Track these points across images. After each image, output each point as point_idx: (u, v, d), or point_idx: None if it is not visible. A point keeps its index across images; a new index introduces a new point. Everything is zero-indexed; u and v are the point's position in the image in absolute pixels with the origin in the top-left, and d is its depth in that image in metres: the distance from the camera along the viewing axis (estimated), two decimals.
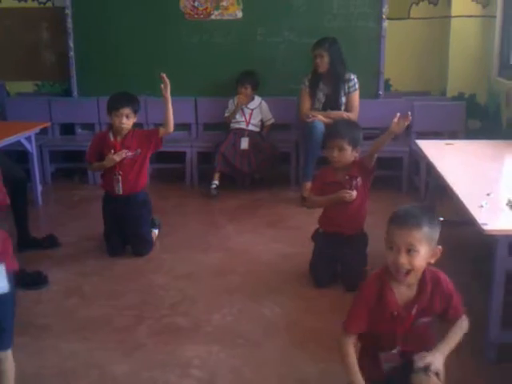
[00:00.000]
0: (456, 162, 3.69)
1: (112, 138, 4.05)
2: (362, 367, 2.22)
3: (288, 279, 3.74)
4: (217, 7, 5.77)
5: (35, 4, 6.28)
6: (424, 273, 2.16)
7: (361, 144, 3.53)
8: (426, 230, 2.06)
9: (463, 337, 2.25)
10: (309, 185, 5.09)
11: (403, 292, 2.18)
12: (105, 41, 5.85)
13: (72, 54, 5.94)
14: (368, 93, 5.54)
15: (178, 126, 5.92)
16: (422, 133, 5.31)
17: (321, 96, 5.21)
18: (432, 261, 2.14)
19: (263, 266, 3.95)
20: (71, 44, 5.93)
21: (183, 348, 2.99)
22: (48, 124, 5.55)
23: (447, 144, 4.14)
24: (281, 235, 4.47)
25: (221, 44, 5.85)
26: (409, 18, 5.97)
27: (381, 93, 5.70)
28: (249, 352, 2.95)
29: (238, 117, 5.62)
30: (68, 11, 5.85)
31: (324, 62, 5.09)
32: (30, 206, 4.48)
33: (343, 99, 5.21)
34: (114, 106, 3.98)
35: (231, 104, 5.65)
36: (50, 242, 4.28)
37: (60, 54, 6.20)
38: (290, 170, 5.69)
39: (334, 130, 3.58)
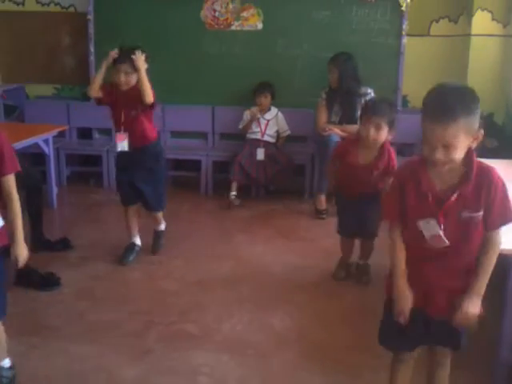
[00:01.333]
0: None
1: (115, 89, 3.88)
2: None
3: (299, 290, 3.74)
4: (237, 18, 5.81)
5: (58, 8, 6.34)
6: (471, 160, 1.99)
7: (395, 128, 3.46)
8: (464, 121, 1.88)
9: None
10: (323, 197, 5.12)
11: (444, 176, 2.03)
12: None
13: (92, 58, 5.99)
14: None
15: (194, 134, 6.00)
16: None
17: (337, 110, 5.21)
18: (474, 145, 1.96)
19: (274, 276, 3.95)
20: (92, 49, 5.98)
21: (192, 355, 2.99)
22: (65, 127, 5.58)
23: None
24: (293, 247, 4.47)
25: (240, 54, 5.87)
26: (429, 35, 5.97)
27: (399, 109, 5.70)
28: (257, 362, 2.95)
29: (254, 127, 5.64)
30: (90, 17, 5.92)
31: (334, 78, 5.10)
32: (45, 207, 4.50)
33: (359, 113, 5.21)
34: (115, 62, 3.83)
35: (246, 115, 5.68)
36: (64, 244, 4.30)
37: (80, 58, 6.26)
38: (304, 182, 5.69)
39: (373, 107, 3.45)
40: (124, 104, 3.89)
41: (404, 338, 2.24)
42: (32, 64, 6.41)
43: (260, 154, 5.47)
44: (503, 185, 2.04)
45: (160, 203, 4.22)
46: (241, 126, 5.70)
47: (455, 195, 2.01)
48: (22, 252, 2.50)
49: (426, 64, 5.88)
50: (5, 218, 2.50)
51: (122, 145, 3.95)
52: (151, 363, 2.92)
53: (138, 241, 4.30)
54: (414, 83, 5.81)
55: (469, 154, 2.00)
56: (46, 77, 6.45)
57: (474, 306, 2.07)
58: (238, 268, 4.09)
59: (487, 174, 2.01)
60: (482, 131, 1.96)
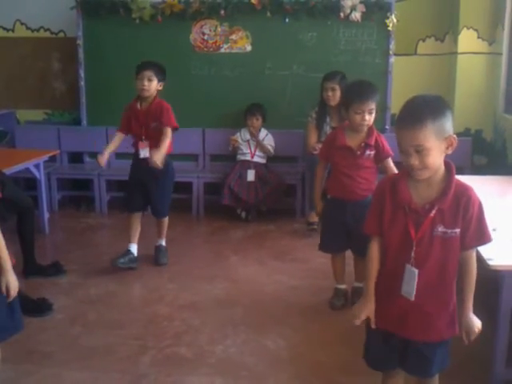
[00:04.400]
0: None
1: (138, 106, 4.22)
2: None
3: (293, 311, 3.73)
4: (226, 41, 5.86)
5: (47, 34, 6.38)
6: (450, 174, 2.04)
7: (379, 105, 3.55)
8: (431, 124, 1.93)
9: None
10: (314, 215, 5.12)
11: (422, 190, 2.07)
12: (115, 71, 5.91)
13: (82, 83, 6.02)
14: (375, 127, 5.55)
15: (185, 157, 6.02)
16: None
17: (327, 129, 5.23)
18: (449, 151, 2.00)
19: (268, 297, 3.94)
20: (82, 74, 6.00)
21: (186, 379, 2.98)
22: (57, 152, 5.59)
23: None
24: (286, 267, 4.47)
25: (229, 77, 5.92)
26: (415, 54, 6.04)
27: (387, 127, 5.74)
28: None
29: (244, 149, 5.67)
30: (80, 42, 5.94)
31: (336, 96, 5.09)
32: (37, 233, 4.48)
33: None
34: (137, 70, 4.18)
35: (238, 137, 5.71)
36: (56, 269, 4.28)
37: (70, 83, 6.29)
38: (295, 202, 5.70)
39: (362, 94, 3.44)
40: (145, 119, 4.22)
41: (383, 359, 2.30)
42: (22, 89, 6.44)
43: (250, 175, 5.49)
44: (480, 204, 2.07)
45: (168, 208, 4.48)
46: (230, 149, 5.74)
47: (434, 210, 2.03)
48: (13, 280, 2.47)
49: (413, 83, 5.91)
50: None
51: (144, 151, 4.24)
52: None
53: (134, 249, 4.39)
54: (403, 102, 5.81)
55: (448, 168, 2.05)
56: (37, 102, 6.48)
57: (476, 322, 2.15)
58: (232, 289, 4.08)
59: (465, 192, 2.05)
60: (455, 136, 2.00)
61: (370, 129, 3.52)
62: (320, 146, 4.96)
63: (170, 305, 3.83)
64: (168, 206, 4.48)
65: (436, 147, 1.96)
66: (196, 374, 3.02)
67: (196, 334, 3.45)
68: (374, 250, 2.21)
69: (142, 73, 4.15)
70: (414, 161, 1.97)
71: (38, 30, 6.39)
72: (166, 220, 4.53)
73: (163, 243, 4.58)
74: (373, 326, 2.23)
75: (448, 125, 1.99)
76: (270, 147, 5.70)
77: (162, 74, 4.24)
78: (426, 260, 2.08)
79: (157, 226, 4.58)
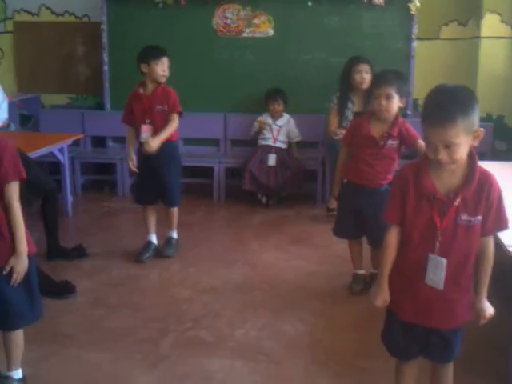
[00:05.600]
0: None
1: (141, 91, 4.19)
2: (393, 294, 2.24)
3: (311, 296, 3.76)
4: (249, 25, 5.86)
5: (72, 18, 6.44)
6: (474, 163, 2.03)
7: (406, 95, 3.49)
8: (462, 121, 1.92)
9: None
10: (334, 200, 5.12)
11: (445, 179, 2.06)
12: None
13: (106, 68, 6.07)
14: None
15: (206, 142, 6.05)
16: None
17: (349, 114, 5.22)
18: (475, 143, 2.00)
19: (287, 282, 3.98)
20: (106, 58, 6.06)
21: (206, 361, 3.03)
22: (81, 136, 5.66)
23: None
24: (305, 253, 4.50)
25: (251, 61, 5.92)
26: (438, 38, 5.99)
27: (409, 112, 5.71)
28: (271, 368, 2.98)
29: (266, 133, 5.68)
30: (104, 26, 6.00)
31: (369, 79, 5.01)
32: (60, 216, 4.56)
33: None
34: (154, 55, 4.13)
35: (255, 125, 5.74)
36: (79, 252, 4.35)
37: (94, 68, 6.34)
38: (316, 188, 5.71)
39: (381, 78, 3.46)
40: (149, 103, 4.15)
41: (404, 349, 2.31)
42: (47, 74, 6.51)
43: (271, 159, 5.51)
44: (500, 192, 2.07)
45: (178, 197, 4.39)
46: (252, 133, 5.76)
47: (458, 199, 2.03)
48: (18, 265, 2.46)
49: (436, 67, 5.89)
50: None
51: (146, 135, 4.14)
52: (166, 370, 2.96)
53: (154, 239, 4.43)
54: (425, 87, 5.69)
55: (471, 156, 2.04)
56: (61, 86, 6.55)
57: (488, 307, 2.18)
58: (251, 274, 4.12)
59: (487, 179, 2.05)
60: (483, 129, 1.99)
61: (395, 118, 3.49)
62: (342, 131, 4.99)
63: (190, 288, 3.89)
64: (179, 194, 4.39)
65: (465, 142, 1.96)
66: (216, 357, 3.07)
67: (216, 317, 3.50)
68: (393, 238, 2.20)
69: (162, 58, 4.14)
70: (443, 155, 1.96)
71: (62, 15, 6.45)
72: (176, 210, 4.42)
73: (174, 235, 4.49)
74: (390, 308, 2.26)
75: (476, 118, 1.97)
76: (296, 140, 5.79)
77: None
78: (450, 249, 2.08)
79: (166, 217, 4.44)
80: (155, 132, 4.12)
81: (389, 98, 3.41)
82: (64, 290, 3.77)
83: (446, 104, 1.94)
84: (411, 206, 2.11)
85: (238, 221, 5.29)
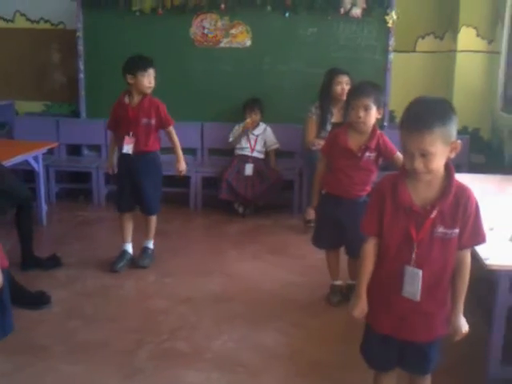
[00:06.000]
0: None
1: (127, 101, 4.17)
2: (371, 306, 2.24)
3: (290, 307, 3.74)
4: (226, 35, 5.86)
5: (47, 25, 6.38)
6: (450, 175, 2.04)
7: (383, 106, 3.51)
8: (439, 130, 1.93)
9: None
10: (311, 211, 5.12)
11: (421, 191, 2.07)
12: (114, 64, 5.81)
13: (82, 76, 6.02)
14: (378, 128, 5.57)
15: (183, 151, 5.99)
16: None
17: (327, 125, 5.23)
18: (452, 155, 2.01)
19: (265, 293, 3.96)
20: (81, 66, 6.00)
21: (183, 374, 2.99)
22: (56, 144, 5.60)
23: None
24: (283, 263, 4.49)
25: (229, 71, 5.92)
26: (415, 51, 6.05)
27: (385, 124, 5.74)
28: (249, 380, 2.95)
29: (243, 143, 5.68)
30: (79, 34, 5.94)
31: (346, 89, 5.01)
32: (35, 225, 4.48)
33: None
34: (141, 67, 4.09)
35: (236, 129, 5.71)
36: (53, 262, 4.29)
37: (70, 75, 6.28)
38: (293, 198, 5.71)
39: (358, 90, 3.48)
40: (135, 115, 4.14)
41: (382, 360, 2.33)
42: (21, 81, 6.44)
43: (248, 169, 5.50)
44: (477, 205, 2.08)
45: (157, 206, 4.39)
46: (231, 139, 5.75)
47: (435, 211, 2.04)
48: None
49: (412, 80, 5.95)
50: None
51: (128, 148, 4.18)
52: (141, 382, 2.91)
53: (130, 249, 4.40)
54: (401, 99, 5.75)
55: (447, 169, 2.05)
56: (36, 93, 6.48)
57: (464, 324, 2.16)
58: (229, 284, 4.09)
59: (464, 193, 2.06)
60: (460, 141, 2.01)
61: (373, 131, 3.51)
62: (319, 141, 5.00)
63: (166, 299, 3.84)
64: (159, 202, 4.39)
65: (441, 152, 1.97)
66: (193, 369, 3.03)
67: (193, 328, 3.46)
68: (370, 249, 2.21)
69: (148, 70, 4.10)
70: (419, 164, 1.97)
71: (37, 22, 6.39)
72: (155, 219, 4.42)
73: (150, 245, 4.46)
74: (365, 321, 2.27)
75: (454, 130, 1.99)
76: (273, 147, 5.79)
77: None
78: (427, 261, 2.09)
79: (145, 226, 4.41)
80: (137, 145, 4.16)
81: (367, 109, 3.42)
82: (39, 300, 3.70)
83: (425, 113, 1.96)
84: (388, 218, 2.12)
85: (215, 230, 5.27)
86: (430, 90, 5.94)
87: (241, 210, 5.60)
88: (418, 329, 2.18)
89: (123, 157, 4.22)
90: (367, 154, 3.52)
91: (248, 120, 5.62)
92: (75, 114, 6.30)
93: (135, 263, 4.35)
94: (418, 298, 2.11)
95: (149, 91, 4.15)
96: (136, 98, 4.16)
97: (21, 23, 6.40)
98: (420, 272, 2.09)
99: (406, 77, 5.93)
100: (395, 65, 5.78)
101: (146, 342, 3.30)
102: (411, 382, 2.41)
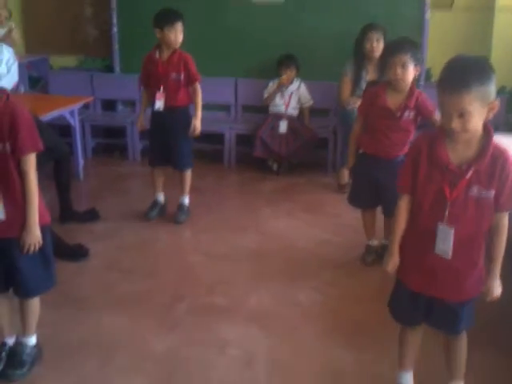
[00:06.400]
0: None
1: (157, 56, 4.19)
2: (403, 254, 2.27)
3: (325, 266, 3.77)
4: None
5: None
6: (489, 135, 2.03)
7: (420, 63, 3.46)
8: (477, 89, 1.91)
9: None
10: (346, 172, 5.10)
11: (459, 150, 2.06)
12: (148, 18, 5.81)
13: (115, 30, 5.99)
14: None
15: (217, 107, 6.00)
16: None
17: (362, 83, 5.16)
18: (490, 116, 2.00)
19: (300, 251, 3.99)
20: (114, 20, 5.97)
21: (221, 327, 3.06)
22: (91, 99, 5.62)
23: None
24: (317, 221, 4.50)
25: (263, 27, 5.82)
26: (452, 7, 5.89)
27: (422, 83, 5.65)
28: (285, 336, 3.01)
29: (278, 100, 5.64)
30: None
31: (380, 47, 4.93)
32: (72, 179, 4.52)
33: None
34: (168, 21, 4.09)
35: (271, 86, 5.67)
36: (91, 215, 4.36)
37: (103, 29, 6.26)
38: (327, 156, 5.69)
39: (395, 47, 3.41)
40: (165, 70, 4.16)
41: (408, 315, 2.38)
42: (55, 35, 6.41)
43: (283, 126, 5.48)
44: None
45: (189, 161, 4.44)
46: (266, 95, 5.69)
47: (471, 171, 2.04)
48: (30, 238, 2.45)
49: (449, 37, 5.81)
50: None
51: (159, 104, 4.22)
52: (181, 335, 2.98)
53: (161, 198, 4.51)
54: (438, 56, 5.69)
55: (486, 129, 2.04)
56: (70, 48, 6.45)
57: (497, 287, 2.18)
58: (264, 241, 4.13)
59: (502, 154, 2.05)
60: (498, 102, 1.99)
61: (411, 89, 3.45)
62: (355, 100, 4.95)
63: (203, 255, 3.90)
64: (191, 157, 4.44)
65: (479, 112, 1.95)
66: (231, 323, 3.10)
67: (229, 284, 3.52)
68: (404, 206, 2.24)
69: (176, 24, 4.09)
70: (456, 124, 1.96)
71: None
72: (190, 174, 4.46)
73: (186, 201, 4.51)
74: (397, 277, 2.33)
75: (493, 89, 1.97)
76: (308, 105, 5.73)
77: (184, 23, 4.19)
78: (460, 220, 2.09)
79: (180, 182, 4.48)
80: (168, 100, 4.19)
81: (404, 66, 3.36)
82: (77, 253, 3.79)
83: (463, 72, 1.94)
84: (423, 176, 2.13)
85: (248, 187, 5.28)
86: (467, 47, 5.80)
87: (275, 167, 5.60)
88: (448, 287, 2.20)
89: (154, 113, 4.27)
90: (406, 113, 3.48)
91: (284, 76, 5.56)
92: (109, 68, 6.29)
93: (174, 219, 4.39)
94: (449, 255, 2.13)
95: (176, 46, 4.14)
96: (166, 53, 4.17)
97: None
98: (452, 230, 2.10)
99: (443, 34, 5.78)
100: (432, 21, 5.63)
101: (184, 296, 3.36)
102: (445, 342, 2.44)
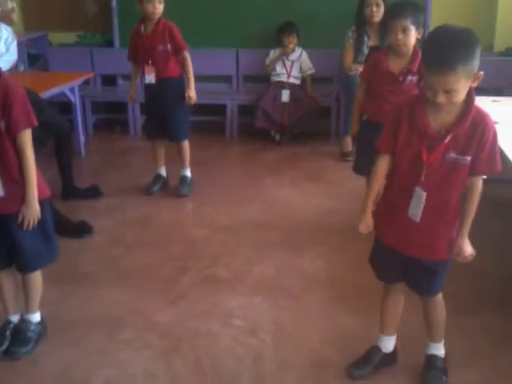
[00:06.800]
0: (503, 119, 3.61)
1: (142, 29, 4.16)
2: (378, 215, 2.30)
3: (329, 233, 3.75)
4: None
5: None
6: (470, 101, 2.02)
7: (422, 25, 3.37)
8: (462, 68, 1.90)
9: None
10: (349, 139, 5.07)
11: (440, 116, 2.06)
12: None
13: (114, 4, 5.92)
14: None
15: (218, 79, 5.94)
16: None
17: (364, 49, 5.09)
18: (474, 85, 2.00)
19: (303, 219, 3.97)
20: None
21: (225, 298, 3.05)
22: (91, 75, 5.58)
23: (493, 101, 4.04)
24: (321, 189, 4.48)
25: None
26: None
27: None
28: (290, 304, 3.00)
29: (279, 69, 5.58)
30: None
31: (380, 11, 4.88)
32: (73, 156, 4.50)
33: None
34: None
35: (272, 53, 5.61)
36: (94, 192, 4.35)
37: (103, 4, 6.18)
38: (330, 124, 5.64)
39: (395, 10, 3.32)
40: (150, 42, 4.13)
41: (382, 271, 2.44)
42: (54, 11, 6.35)
43: (285, 95, 5.43)
44: (495, 133, 2.06)
45: (186, 131, 4.43)
46: (268, 62, 5.64)
47: (449, 137, 2.04)
48: (29, 212, 2.44)
49: (454, 1, 5.70)
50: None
51: (150, 77, 4.20)
52: (186, 307, 2.98)
53: (163, 172, 4.51)
54: (442, 19, 5.62)
55: (468, 95, 2.02)
56: (69, 24, 6.39)
57: (468, 247, 2.18)
58: (267, 211, 4.11)
59: (482, 119, 2.04)
60: (482, 72, 1.98)
61: (414, 53, 3.37)
62: (357, 66, 4.89)
63: (206, 227, 3.89)
64: (187, 128, 4.43)
65: (464, 86, 1.96)
66: (235, 294, 3.09)
67: (233, 255, 3.51)
68: (382, 166, 2.26)
69: None
70: (442, 99, 1.96)
71: None
72: (187, 144, 4.43)
73: (187, 173, 4.49)
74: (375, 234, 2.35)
75: (477, 62, 1.95)
76: (309, 73, 5.65)
77: None
78: (434, 184, 2.11)
79: (178, 154, 4.45)
80: (158, 72, 4.17)
81: (405, 30, 3.27)
82: (81, 229, 3.78)
83: (447, 51, 1.92)
84: (402, 139, 2.14)
85: (251, 158, 5.26)
86: (472, 9, 5.70)
87: (277, 137, 5.56)
88: (421, 247, 2.22)
89: (147, 87, 4.28)
90: (409, 77, 3.41)
91: (291, 45, 5.50)
92: (109, 43, 6.24)
93: (177, 192, 4.38)
94: (418, 219, 2.15)
95: (155, 17, 4.09)
96: (149, 26, 4.13)
97: None
98: (424, 194, 2.12)
99: None
100: None
101: (188, 268, 3.35)
102: (423, 306, 2.45)
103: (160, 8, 4.06)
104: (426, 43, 2.04)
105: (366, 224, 2.31)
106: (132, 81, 4.45)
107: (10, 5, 3.57)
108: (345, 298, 3.04)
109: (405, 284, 2.40)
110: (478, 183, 2.13)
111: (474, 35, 1.97)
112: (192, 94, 4.20)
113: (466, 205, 2.15)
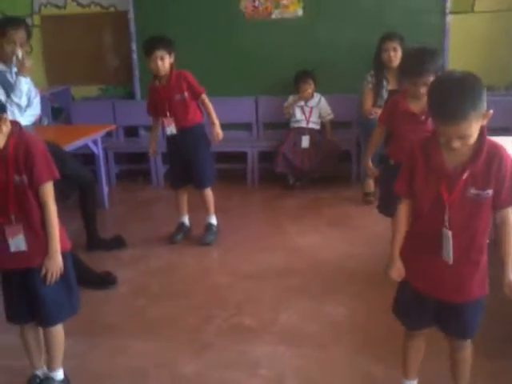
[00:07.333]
0: None
1: (157, 83, 4.19)
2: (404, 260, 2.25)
3: (352, 280, 3.71)
4: (277, 6, 5.77)
5: (98, 9, 6.40)
6: (482, 137, 2.02)
7: (441, 69, 3.31)
8: (473, 114, 1.92)
9: None
10: (371, 181, 5.05)
11: (455, 153, 2.04)
12: None
13: (135, 57, 6.04)
14: None
15: (238, 126, 6.00)
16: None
17: (383, 93, 5.12)
18: (484, 123, 2.00)
19: (327, 265, 3.94)
20: (134, 47, 6.03)
21: (251, 348, 3.01)
22: (113, 127, 5.66)
23: None
24: (343, 235, 4.44)
25: (281, 43, 5.82)
26: (473, 11, 5.82)
27: None
28: (314, 353, 2.96)
29: (299, 115, 5.62)
30: (130, 16, 5.96)
31: (398, 56, 4.95)
32: (97, 207, 4.54)
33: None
34: (146, 51, 4.08)
35: (291, 99, 5.67)
36: (118, 242, 4.37)
37: (123, 57, 6.32)
38: (351, 169, 5.64)
39: (420, 66, 3.23)
40: (167, 94, 4.15)
41: (411, 318, 2.36)
42: (76, 66, 6.50)
43: (305, 141, 5.46)
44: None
45: (211, 178, 4.45)
46: (285, 105, 5.69)
47: (466, 174, 2.03)
48: (52, 266, 2.45)
49: (471, 42, 5.74)
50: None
51: (171, 129, 4.22)
52: (211, 357, 2.95)
53: (186, 220, 4.52)
54: (460, 62, 5.64)
55: (480, 130, 2.02)
56: (91, 78, 6.53)
57: None
58: (290, 258, 4.08)
59: (497, 151, 2.04)
60: (491, 110, 1.98)
61: None
62: (376, 110, 4.90)
63: (231, 275, 3.87)
64: (212, 174, 4.45)
65: (476, 129, 1.97)
66: (260, 343, 3.05)
67: (258, 303, 3.48)
68: (404, 211, 2.25)
69: (153, 54, 4.03)
70: (456, 144, 1.97)
71: (89, 6, 6.41)
72: (210, 192, 4.42)
73: (213, 221, 4.48)
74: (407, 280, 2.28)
75: (484, 103, 1.97)
76: (328, 118, 5.69)
77: (170, 46, 4.11)
78: (459, 222, 2.09)
79: (203, 202, 4.44)
80: (178, 122, 4.19)
81: (427, 83, 3.26)
82: (105, 280, 3.78)
83: (456, 101, 1.92)
84: (420, 180, 2.14)
85: (273, 204, 5.26)
86: (489, 50, 5.73)
87: (291, 181, 5.59)
88: (452, 289, 2.18)
89: (168, 138, 4.29)
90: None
91: (309, 90, 5.56)
92: (131, 95, 6.35)
93: (201, 240, 4.38)
94: (451, 260, 2.12)
95: (160, 74, 4.10)
96: (163, 79, 4.16)
97: (72, 9, 6.43)
98: (450, 234, 2.09)
99: (464, 39, 5.70)
100: (453, 27, 5.58)
101: (213, 317, 3.33)
102: (451, 350, 2.39)
103: (164, 64, 4.06)
104: (432, 93, 2.03)
105: (398, 270, 2.27)
106: (152, 134, 4.49)
107: (19, 54, 3.65)
108: (369, 346, 2.99)
109: (438, 328, 2.34)
110: (509, 216, 2.10)
111: (477, 78, 1.99)
112: (218, 130, 4.21)
113: (502, 239, 2.11)
